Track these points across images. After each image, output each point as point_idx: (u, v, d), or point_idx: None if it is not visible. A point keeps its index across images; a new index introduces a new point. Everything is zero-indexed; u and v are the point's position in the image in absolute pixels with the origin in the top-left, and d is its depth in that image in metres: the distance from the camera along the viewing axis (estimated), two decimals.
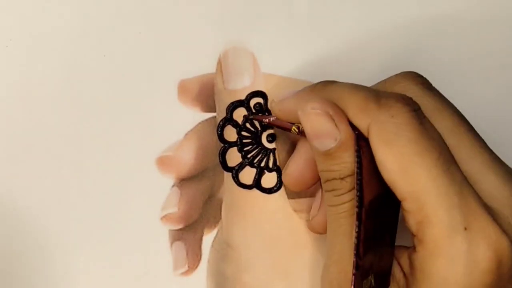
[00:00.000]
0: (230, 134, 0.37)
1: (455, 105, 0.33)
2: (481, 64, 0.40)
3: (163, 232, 0.38)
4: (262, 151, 0.37)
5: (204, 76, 0.38)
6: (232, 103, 0.37)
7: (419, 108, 0.30)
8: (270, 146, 0.37)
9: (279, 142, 0.37)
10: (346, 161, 0.30)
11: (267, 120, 0.36)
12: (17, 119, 0.38)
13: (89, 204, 0.38)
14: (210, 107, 0.38)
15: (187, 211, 0.38)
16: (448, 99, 0.33)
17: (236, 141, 0.37)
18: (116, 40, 0.38)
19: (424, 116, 0.29)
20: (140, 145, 0.38)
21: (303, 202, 0.37)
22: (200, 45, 0.38)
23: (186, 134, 0.38)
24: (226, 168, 0.37)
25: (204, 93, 0.38)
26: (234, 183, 0.37)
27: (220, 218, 0.38)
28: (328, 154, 0.30)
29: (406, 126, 0.28)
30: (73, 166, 0.38)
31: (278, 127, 0.35)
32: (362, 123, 0.29)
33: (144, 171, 0.38)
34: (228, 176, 0.37)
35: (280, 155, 0.37)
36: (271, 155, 0.37)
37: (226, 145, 0.37)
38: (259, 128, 0.37)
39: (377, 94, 0.30)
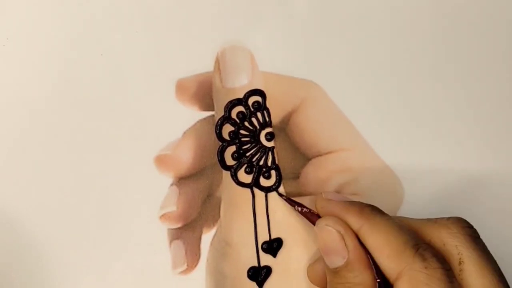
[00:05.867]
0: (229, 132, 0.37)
1: None
2: None
3: (162, 231, 0.38)
4: (261, 149, 0.37)
5: (202, 75, 0.38)
6: (230, 101, 0.37)
7: (451, 269, 0.31)
8: (269, 144, 0.37)
9: (277, 141, 0.37)
10: (351, 282, 0.31)
11: (299, 209, 0.36)
12: (13, 117, 0.38)
13: (87, 203, 0.38)
14: (208, 106, 0.38)
15: (185, 209, 0.38)
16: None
17: (235, 139, 0.37)
18: (113, 38, 0.38)
19: (454, 277, 0.31)
20: (138, 144, 0.38)
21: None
22: (198, 44, 0.38)
23: (184, 133, 0.38)
24: (225, 166, 0.37)
25: (202, 92, 0.38)
26: (232, 181, 0.37)
27: (219, 216, 0.38)
28: (335, 272, 0.32)
29: (437, 281, 0.30)
30: (70, 165, 0.38)
31: (307, 218, 0.35)
32: (394, 266, 0.31)
33: (142, 170, 0.38)
34: (226, 174, 0.37)
35: (278, 153, 0.37)
36: (270, 153, 0.37)
37: (224, 144, 0.37)
38: (258, 127, 0.37)
39: (417, 242, 0.31)
